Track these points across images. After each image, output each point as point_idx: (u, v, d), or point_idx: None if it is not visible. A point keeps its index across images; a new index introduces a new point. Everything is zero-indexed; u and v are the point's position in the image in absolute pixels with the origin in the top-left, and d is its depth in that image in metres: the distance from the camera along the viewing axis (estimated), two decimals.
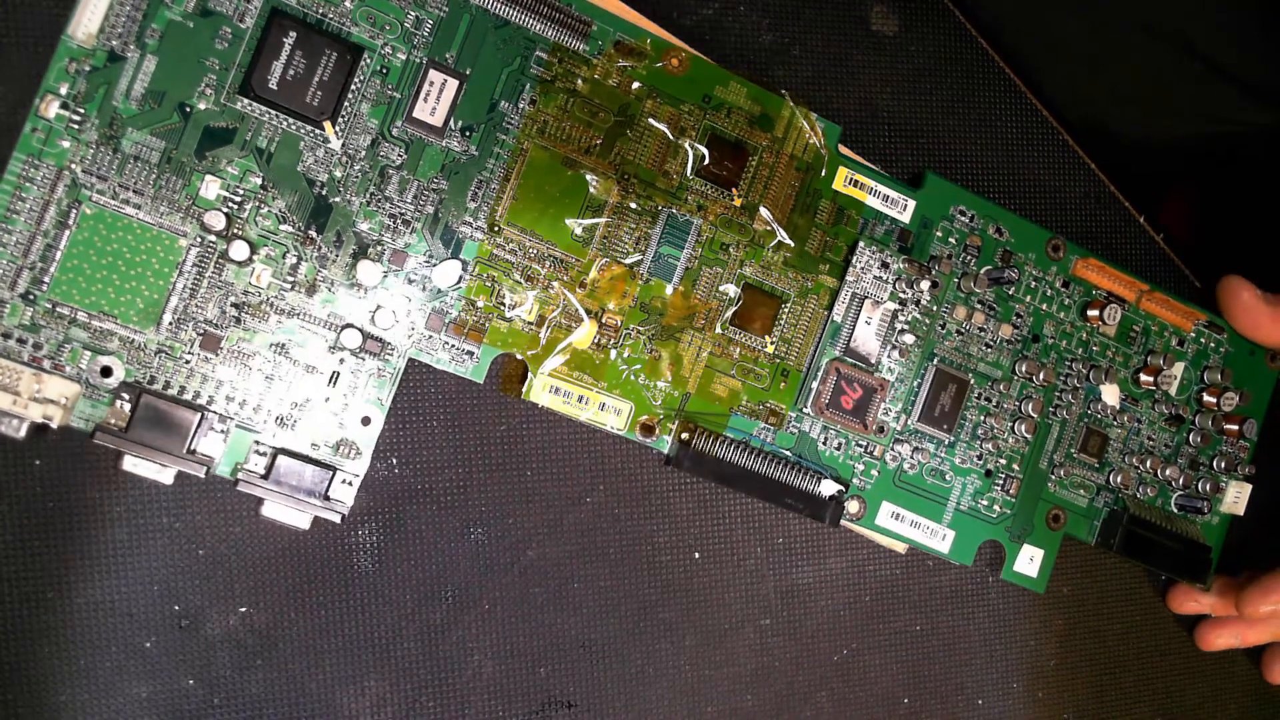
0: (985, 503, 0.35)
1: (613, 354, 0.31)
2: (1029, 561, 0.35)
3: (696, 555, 0.34)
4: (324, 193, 0.29)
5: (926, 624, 0.36)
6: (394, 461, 0.31)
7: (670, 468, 0.33)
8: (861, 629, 0.35)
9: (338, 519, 0.29)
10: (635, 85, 0.31)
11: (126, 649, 0.29)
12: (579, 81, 0.31)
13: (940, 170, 0.36)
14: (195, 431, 0.27)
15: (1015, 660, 0.37)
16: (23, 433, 0.26)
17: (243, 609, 0.29)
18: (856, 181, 0.33)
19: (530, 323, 0.30)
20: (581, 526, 0.32)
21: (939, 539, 0.34)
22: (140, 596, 0.29)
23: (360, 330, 0.29)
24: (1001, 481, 0.35)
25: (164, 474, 0.27)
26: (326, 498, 0.28)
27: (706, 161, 0.32)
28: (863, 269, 0.33)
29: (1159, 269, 0.39)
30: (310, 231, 0.28)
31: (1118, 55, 0.39)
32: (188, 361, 0.28)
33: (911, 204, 0.34)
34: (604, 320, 0.31)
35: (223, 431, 0.28)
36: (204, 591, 0.29)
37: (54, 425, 0.27)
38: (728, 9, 0.34)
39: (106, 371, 0.27)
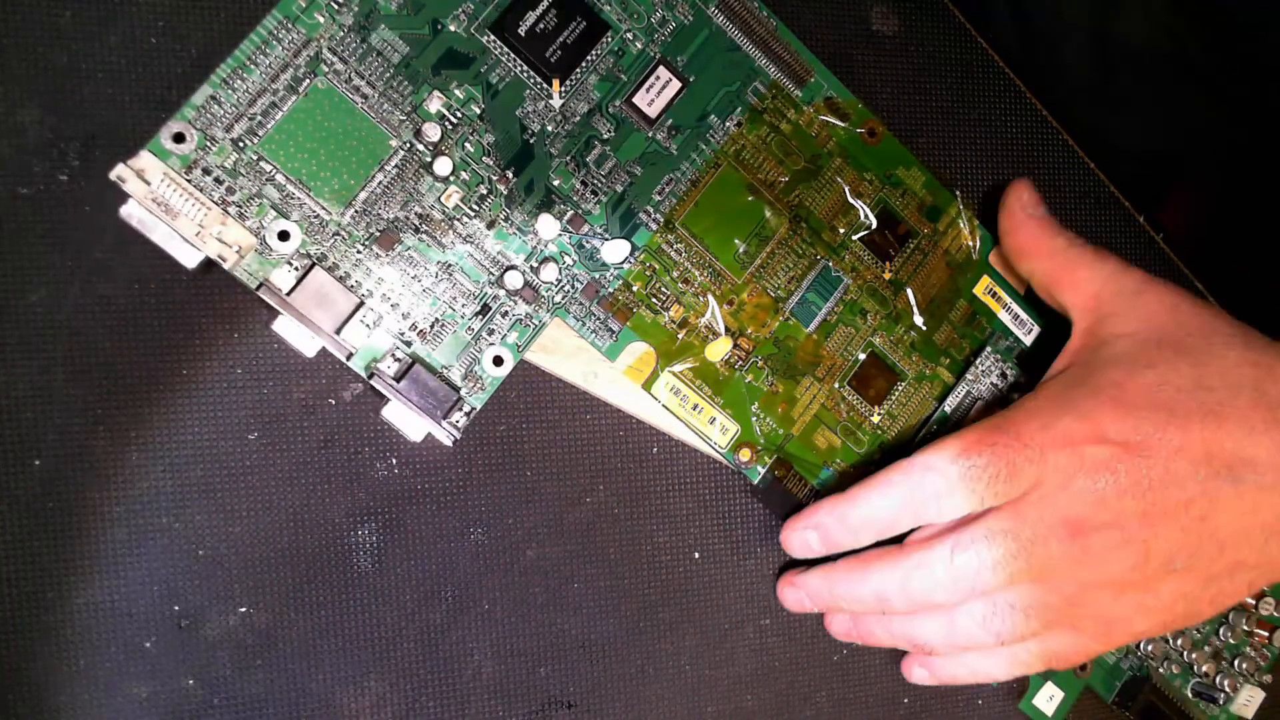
0: None
1: (737, 374, 0.32)
2: (1048, 700, 0.36)
3: (696, 555, 0.34)
4: (531, 141, 0.30)
5: None
6: (394, 461, 0.31)
7: (755, 497, 0.34)
8: None
9: (449, 441, 0.29)
10: (831, 142, 0.33)
11: (126, 649, 0.29)
12: (784, 122, 0.33)
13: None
14: (350, 317, 0.28)
15: None
16: (194, 264, 0.27)
17: (243, 609, 0.29)
18: (995, 293, 0.35)
19: (675, 322, 0.31)
20: (581, 526, 0.32)
21: None
22: (140, 596, 0.29)
23: (523, 275, 0.30)
24: None
25: (309, 345, 0.28)
26: (446, 417, 0.29)
27: (872, 229, 0.33)
28: (983, 372, 0.34)
29: (1159, 269, 0.39)
30: (508, 172, 0.30)
31: (1118, 55, 0.39)
32: (359, 252, 0.29)
33: (1037, 330, 0.36)
34: (739, 342, 0.32)
35: (369, 326, 0.29)
36: (204, 591, 0.29)
37: (225, 266, 0.27)
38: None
39: (284, 236, 0.28)
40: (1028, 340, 0.36)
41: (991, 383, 0.35)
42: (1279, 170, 0.41)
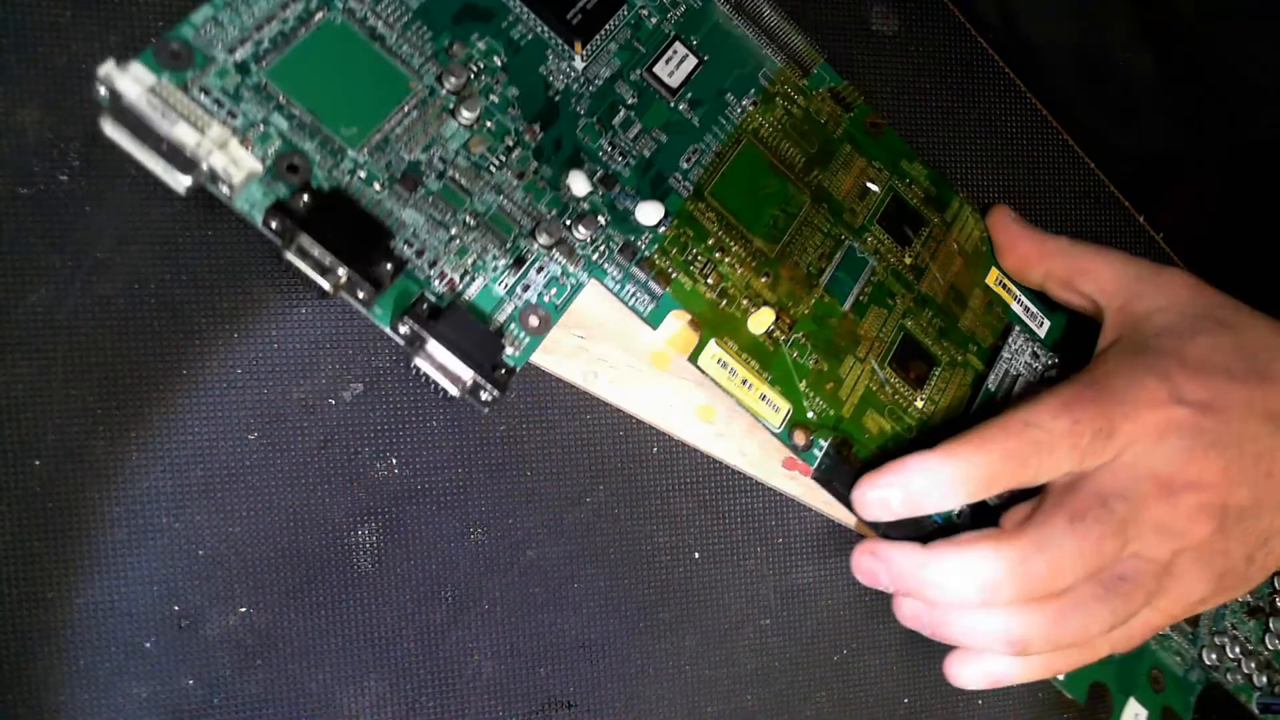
0: None
1: (784, 349, 0.31)
2: (1134, 719, 0.35)
3: (696, 555, 0.34)
4: (556, 100, 0.30)
5: None
6: (394, 461, 0.31)
7: (819, 479, 0.31)
8: (861, 629, 0.35)
9: (489, 397, 0.26)
10: (840, 129, 0.34)
11: (126, 649, 0.29)
12: (794, 106, 0.33)
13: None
14: (378, 240, 0.25)
15: None
16: (186, 186, 0.23)
17: (243, 609, 0.29)
18: (1005, 285, 0.35)
19: (714, 291, 0.30)
20: (581, 526, 0.32)
21: None
22: (140, 596, 0.29)
23: (557, 231, 0.28)
24: None
25: (323, 282, 0.25)
26: (492, 366, 0.26)
27: (888, 211, 0.34)
28: (1017, 350, 0.35)
29: None
30: (534, 126, 0.29)
31: (1118, 56, 0.39)
32: (378, 191, 0.27)
33: (1047, 323, 0.36)
34: (779, 316, 0.31)
35: (392, 275, 0.26)
36: (204, 591, 0.29)
37: (234, 182, 0.24)
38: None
39: (293, 169, 0.25)
40: (1041, 333, 0.36)
41: (1025, 361, 0.35)
42: (1279, 170, 0.41)
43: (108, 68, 0.23)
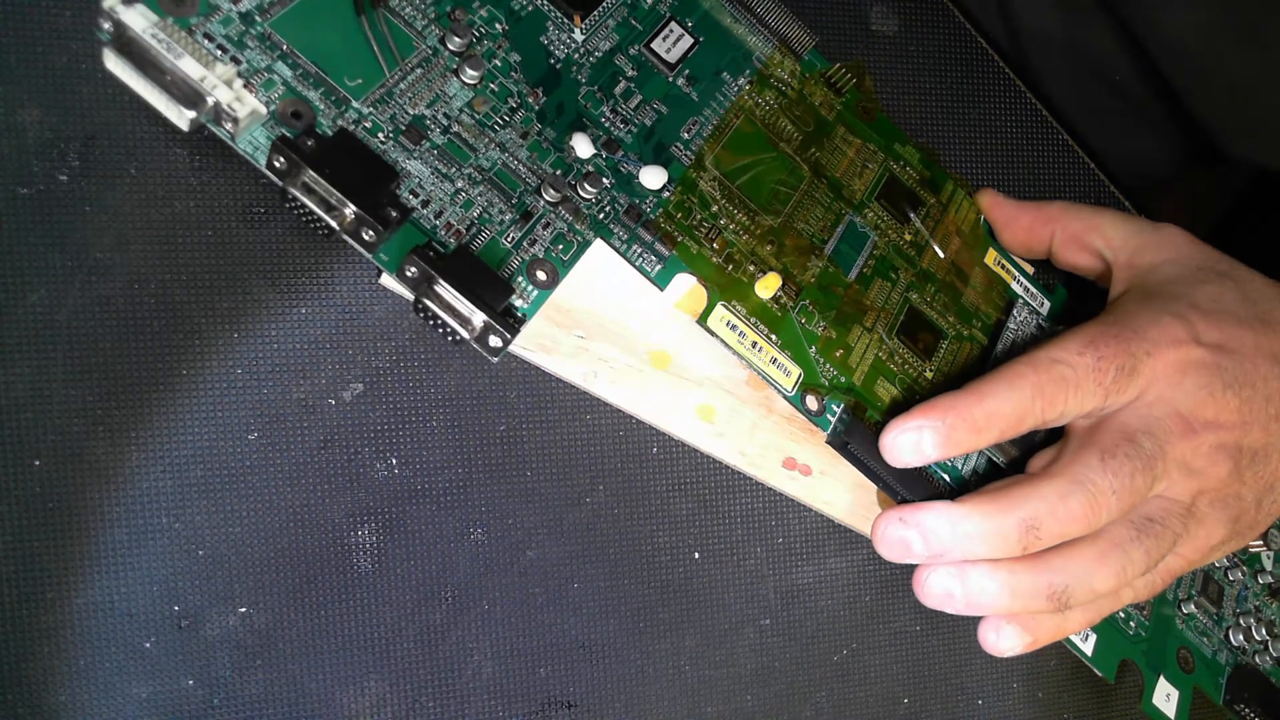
0: (1122, 615, 0.34)
1: (792, 315, 0.31)
2: (1165, 699, 0.34)
3: (696, 555, 0.34)
4: (557, 67, 0.30)
5: (926, 624, 0.36)
6: (394, 461, 0.31)
7: (834, 442, 0.30)
8: (861, 629, 0.35)
9: (500, 344, 0.25)
10: (834, 112, 0.34)
11: (126, 649, 0.29)
12: (789, 89, 0.33)
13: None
14: (382, 182, 0.25)
15: (1015, 660, 0.37)
16: (190, 120, 0.23)
17: (243, 609, 0.29)
18: (1004, 265, 0.36)
19: (720, 255, 0.30)
20: (581, 526, 0.32)
21: (1080, 637, 0.33)
22: (140, 596, 0.29)
23: (562, 189, 0.28)
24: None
25: (330, 219, 0.24)
26: (505, 315, 0.25)
27: (887, 187, 0.34)
28: (1022, 322, 0.35)
29: None
30: (538, 90, 0.29)
31: (1118, 56, 0.39)
32: (383, 142, 0.27)
33: (1047, 304, 0.36)
34: (786, 282, 0.31)
35: (398, 220, 0.26)
36: (204, 591, 0.29)
37: (239, 116, 0.24)
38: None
39: (296, 115, 0.25)
40: (1042, 311, 0.36)
41: (1031, 332, 0.35)
42: (1271, 180, 0.41)
43: (113, 1, 0.22)
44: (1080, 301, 0.35)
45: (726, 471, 0.34)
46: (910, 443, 0.28)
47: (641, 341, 0.32)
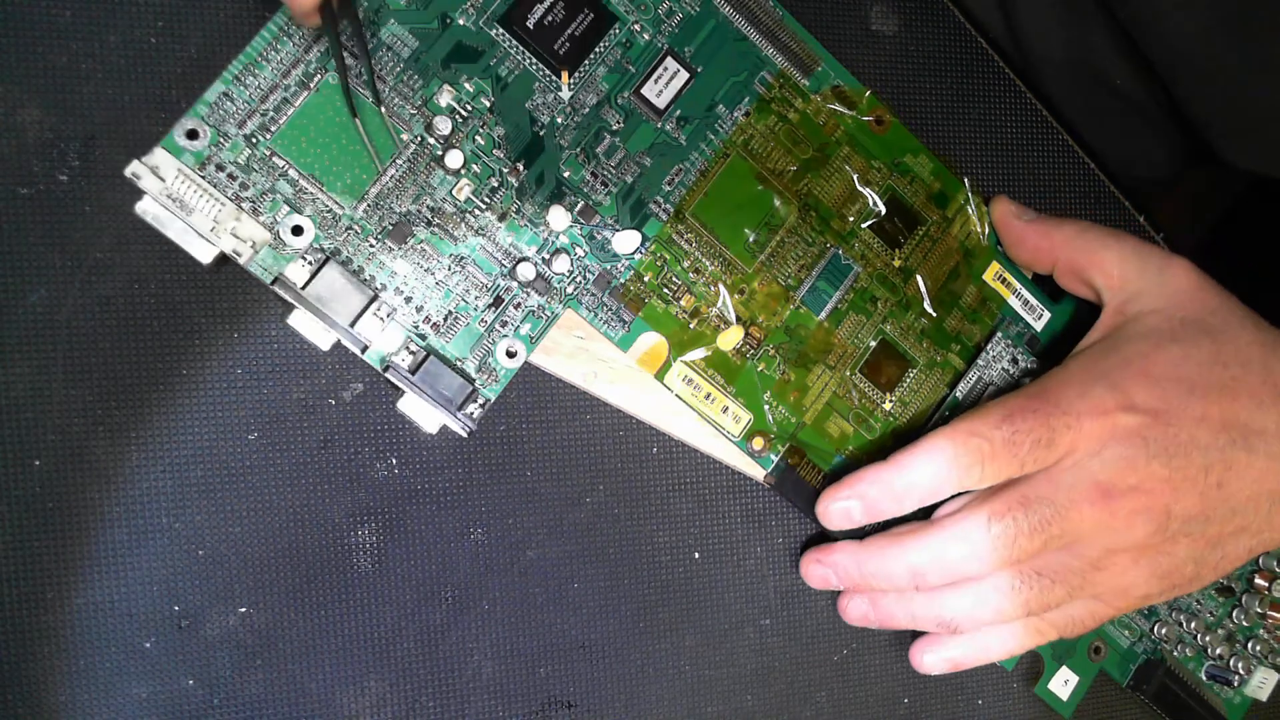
0: None
1: (749, 363, 0.32)
2: (1063, 684, 0.36)
3: (696, 555, 0.34)
4: (541, 134, 0.30)
5: None
6: (394, 461, 0.31)
7: (769, 486, 0.33)
8: (861, 629, 0.35)
9: (464, 433, 0.29)
10: (839, 131, 0.34)
11: (126, 649, 0.29)
12: (791, 110, 0.33)
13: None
14: (364, 311, 0.28)
15: (1015, 661, 0.37)
16: (209, 259, 0.27)
17: (243, 609, 0.29)
18: (1004, 279, 0.36)
19: (686, 312, 0.31)
20: (581, 526, 0.32)
21: None
22: (140, 596, 0.29)
23: (535, 267, 0.30)
24: None
25: (324, 339, 0.28)
26: (461, 409, 0.29)
27: (881, 216, 0.34)
28: (994, 358, 0.35)
29: None
30: (519, 164, 0.30)
31: (1118, 57, 0.39)
32: (372, 246, 0.29)
33: (1047, 315, 0.36)
34: (750, 331, 0.32)
35: (383, 320, 0.29)
36: (204, 591, 0.29)
37: (240, 261, 0.27)
38: None
39: (298, 230, 0.28)
40: (1038, 326, 0.36)
41: (1003, 368, 0.35)
42: (1271, 185, 0.41)
43: (134, 167, 0.26)
44: (1091, 314, 0.34)
45: (726, 471, 0.34)
46: (840, 511, 0.32)
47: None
